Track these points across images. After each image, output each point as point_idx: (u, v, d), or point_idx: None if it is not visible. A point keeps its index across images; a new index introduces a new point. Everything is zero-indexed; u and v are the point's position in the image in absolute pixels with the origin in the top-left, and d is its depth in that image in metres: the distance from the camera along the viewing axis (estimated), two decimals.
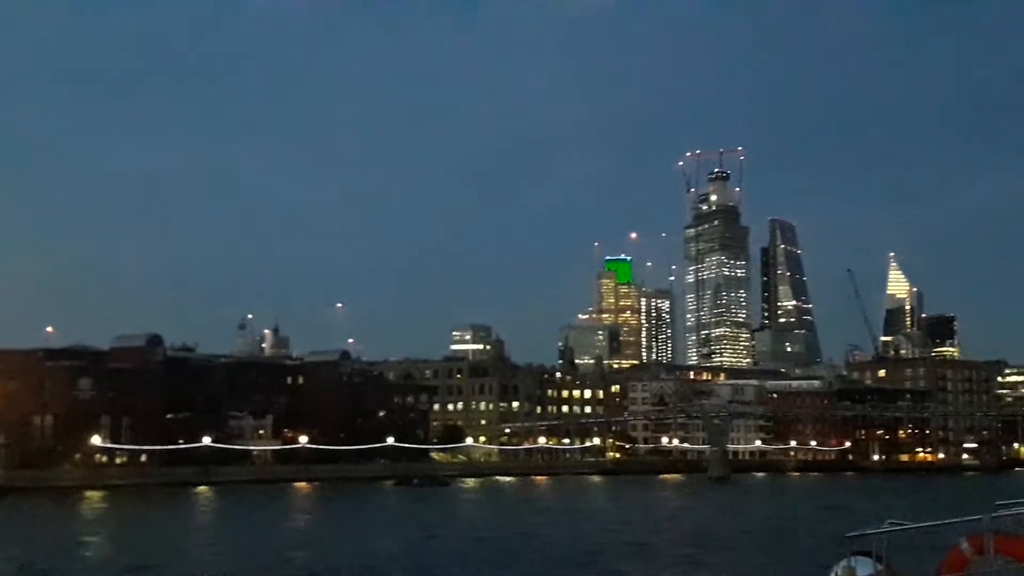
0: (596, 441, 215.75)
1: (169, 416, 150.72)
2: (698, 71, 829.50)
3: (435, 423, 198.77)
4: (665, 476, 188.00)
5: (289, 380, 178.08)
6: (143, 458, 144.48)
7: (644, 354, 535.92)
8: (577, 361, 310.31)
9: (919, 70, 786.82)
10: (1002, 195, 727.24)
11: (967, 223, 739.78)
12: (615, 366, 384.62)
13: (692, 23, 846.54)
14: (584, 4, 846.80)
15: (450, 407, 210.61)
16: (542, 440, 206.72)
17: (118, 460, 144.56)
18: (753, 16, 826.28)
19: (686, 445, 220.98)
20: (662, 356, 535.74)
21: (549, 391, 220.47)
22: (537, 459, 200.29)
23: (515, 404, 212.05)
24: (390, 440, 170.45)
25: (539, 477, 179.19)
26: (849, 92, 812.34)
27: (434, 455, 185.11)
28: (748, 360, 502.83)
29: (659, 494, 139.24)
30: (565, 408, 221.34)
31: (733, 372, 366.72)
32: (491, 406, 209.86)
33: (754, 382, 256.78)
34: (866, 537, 12.33)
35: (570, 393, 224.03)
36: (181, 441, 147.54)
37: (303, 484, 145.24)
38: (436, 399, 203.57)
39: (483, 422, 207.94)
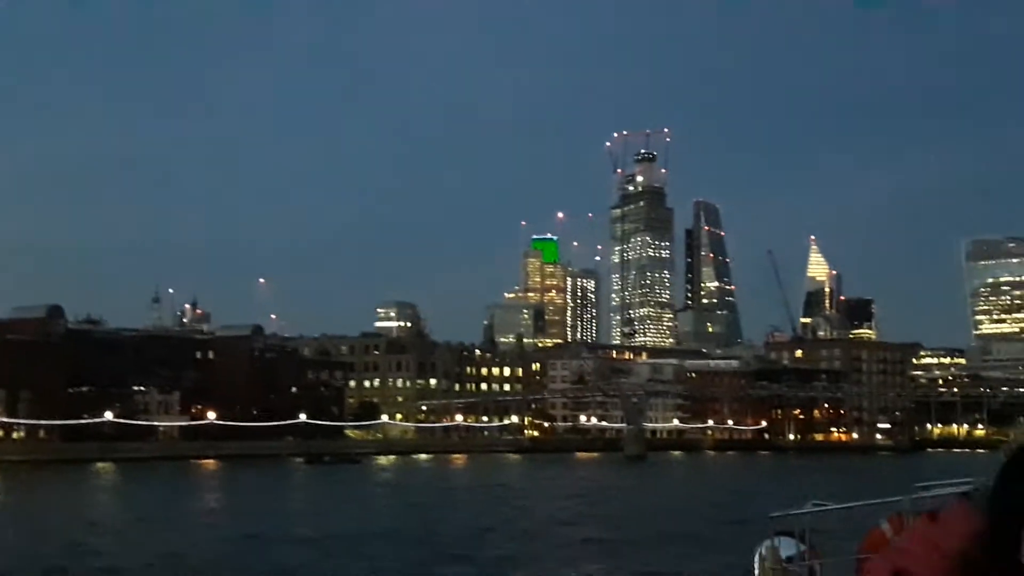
0: (514, 419, 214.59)
1: (70, 390, 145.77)
2: (627, 52, 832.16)
3: (351, 400, 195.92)
4: (582, 454, 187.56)
5: (199, 355, 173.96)
6: (42, 433, 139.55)
7: (569, 333, 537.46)
8: (502, 340, 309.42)
9: (841, 58, 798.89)
10: (919, 180, 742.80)
11: (887, 208, 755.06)
12: (540, 345, 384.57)
13: (621, 4, 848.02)
14: None
15: (367, 384, 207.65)
16: (459, 418, 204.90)
17: (15, 435, 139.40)
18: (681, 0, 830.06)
19: (604, 423, 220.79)
20: (587, 336, 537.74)
21: (468, 369, 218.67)
22: (454, 437, 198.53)
23: (433, 381, 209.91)
24: (302, 417, 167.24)
25: (456, 455, 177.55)
26: (774, 77, 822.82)
27: (349, 433, 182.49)
28: (671, 340, 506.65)
29: (574, 472, 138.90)
30: (484, 386, 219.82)
31: (655, 352, 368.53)
32: (408, 383, 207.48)
33: (673, 361, 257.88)
34: (789, 518, 12.58)
35: (489, 371, 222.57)
36: (84, 416, 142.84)
37: (210, 461, 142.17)
38: (352, 376, 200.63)
39: (400, 399, 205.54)
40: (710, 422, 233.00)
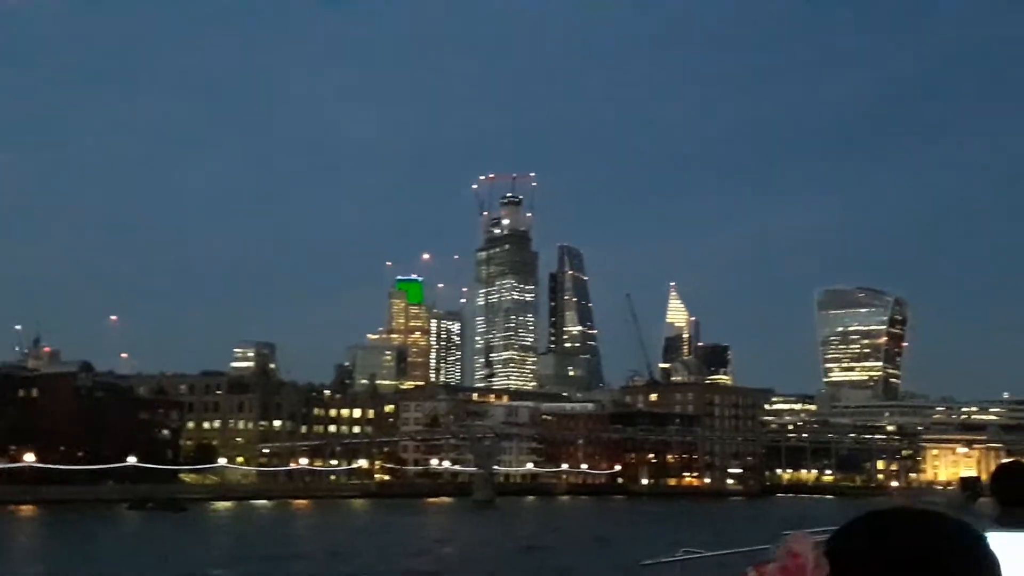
0: (364, 463, 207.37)
1: None
2: (493, 95, 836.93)
3: (189, 442, 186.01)
4: (432, 500, 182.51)
5: (21, 392, 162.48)
6: None
7: (433, 375, 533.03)
8: (364, 382, 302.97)
9: (704, 107, 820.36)
10: (777, 230, 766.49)
11: (745, 256, 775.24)
12: (402, 387, 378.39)
13: (487, 46, 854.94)
14: (383, 21, 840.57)
15: (206, 425, 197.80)
16: (304, 461, 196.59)
17: None
18: (548, 44, 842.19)
19: (457, 467, 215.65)
20: (450, 378, 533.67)
21: (316, 410, 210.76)
22: (298, 482, 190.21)
23: (277, 423, 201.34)
24: (131, 460, 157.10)
25: (299, 501, 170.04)
26: (637, 124, 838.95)
27: (184, 477, 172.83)
28: (534, 384, 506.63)
29: (419, 519, 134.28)
30: (333, 428, 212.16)
31: (516, 395, 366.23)
32: (251, 425, 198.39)
33: (529, 404, 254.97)
34: (661, 565, 13.03)
35: (339, 412, 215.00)
36: None
37: (28, 507, 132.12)
38: (191, 417, 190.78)
39: (241, 441, 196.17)
40: (564, 466, 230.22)
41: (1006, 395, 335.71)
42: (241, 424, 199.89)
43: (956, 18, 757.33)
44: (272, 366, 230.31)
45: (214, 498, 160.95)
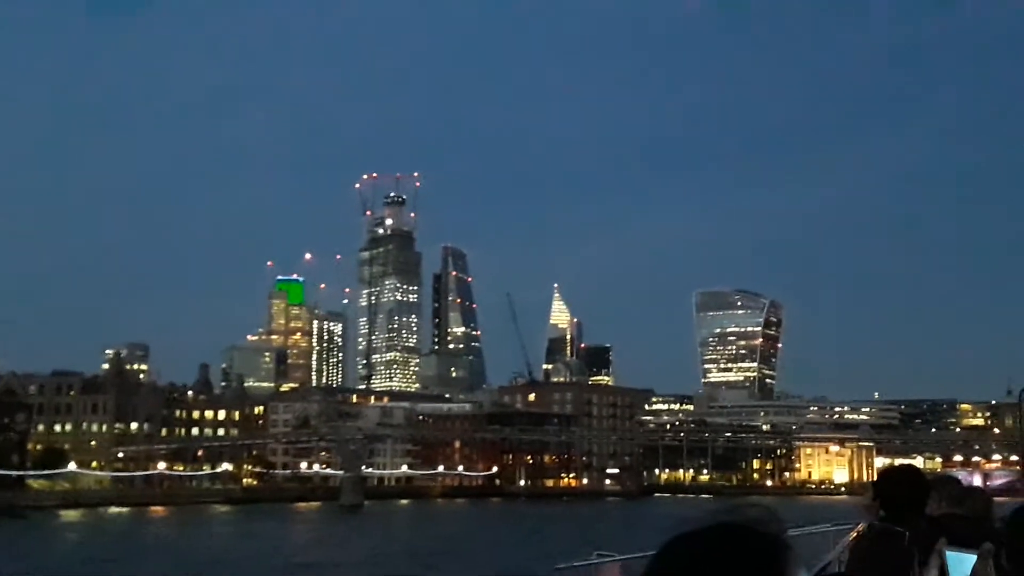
0: (229, 467, 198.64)
1: None
2: (376, 93, 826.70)
3: (38, 446, 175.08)
4: (301, 504, 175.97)
5: None
6: None
7: (314, 377, 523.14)
8: (246, 384, 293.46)
9: (596, 113, 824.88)
10: (658, 233, 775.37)
11: (626, 260, 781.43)
12: (283, 389, 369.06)
13: (373, 47, 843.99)
14: (259, 20, 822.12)
15: (57, 428, 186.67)
16: (162, 466, 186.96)
17: None
18: (433, 43, 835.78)
19: (328, 470, 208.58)
20: (332, 380, 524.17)
21: (178, 412, 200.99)
22: (156, 487, 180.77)
23: (134, 425, 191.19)
24: None
25: (157, 507, 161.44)
26: (523, 129, 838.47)
27: (32, 483, 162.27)
28: (417, 385, 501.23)
29: (282, 525, 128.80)
30: (196, 431, 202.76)
31: (398, 396, 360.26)
32: (105, 427, 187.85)
33: (405, 404, 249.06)
34: (575, 569, 13.23)
35: (202, 414, 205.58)
36: None
37: None
38: (41, 419, 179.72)
39: (94, 444, 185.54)
40: (441, 468, 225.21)
41: (876, 395, 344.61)
42: (95, 427, 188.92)
43: (825, 36, 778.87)
44: (140, 367, 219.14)
45: (63, 506, 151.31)
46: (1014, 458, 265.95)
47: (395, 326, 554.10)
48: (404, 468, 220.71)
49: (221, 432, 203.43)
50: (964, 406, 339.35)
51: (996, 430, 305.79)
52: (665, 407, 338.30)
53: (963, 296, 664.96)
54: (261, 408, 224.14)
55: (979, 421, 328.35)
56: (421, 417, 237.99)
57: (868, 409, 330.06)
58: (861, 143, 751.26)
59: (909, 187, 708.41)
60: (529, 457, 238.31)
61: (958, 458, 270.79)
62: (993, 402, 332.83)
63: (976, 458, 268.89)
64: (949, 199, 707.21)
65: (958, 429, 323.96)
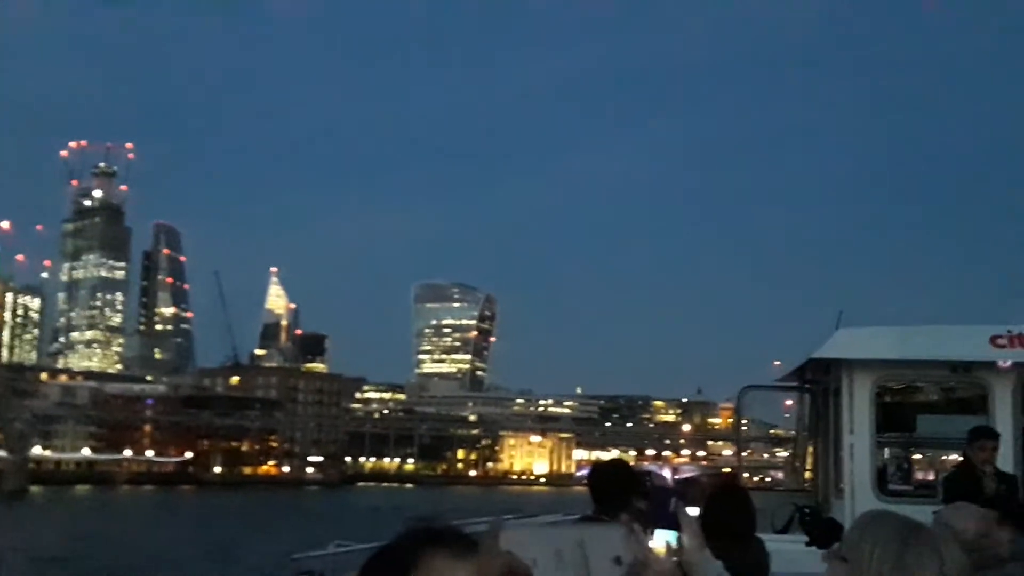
0: None
1: None
2: (92, 52, 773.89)
3: None
4: None
5: None
6: None
7: (6, 354, 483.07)
8: None
9: (327, 101, 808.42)
10: (385, 225, 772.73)
11: (349, 248, 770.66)
12: None
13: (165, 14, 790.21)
14: None
15: None
16: None
17: None
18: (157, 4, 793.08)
19: (3, 454, 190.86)
20: (26, 357, 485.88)
21: None
22: None
23: None
24: None
25: None
26: (255, 109, 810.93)
27: None
28: (120, 366, 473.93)
29: None
30: None
31: (94, 376, 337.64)
32: None
33: (91, 384, 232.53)
34: (311, 559, 12.94)
35: None
36: None
37: None
38: None
39: None
40: (127, 452, 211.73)
41: (579, 390, 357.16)
42: None
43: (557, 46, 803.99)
44: None
45: None
46: (701, 453, 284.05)
47: (98, 303, 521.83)
48: (85, 451, 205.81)
49: None
50: (658, 403, 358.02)
51: (685, 426, 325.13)
52: (377, 395, 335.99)
53: (660, 302, 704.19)
54: None
55: (670, 417, 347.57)
56: (110, 398, 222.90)
57: (571, 403, 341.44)
58: (575, 154, 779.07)
59: (614, 199, 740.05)
60: (228, 443, 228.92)
61: (651, 452, 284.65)
62: (684, 400, 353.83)
63: (666, 452, 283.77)
64: (645, 213, 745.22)
65: (652, 424, 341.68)
